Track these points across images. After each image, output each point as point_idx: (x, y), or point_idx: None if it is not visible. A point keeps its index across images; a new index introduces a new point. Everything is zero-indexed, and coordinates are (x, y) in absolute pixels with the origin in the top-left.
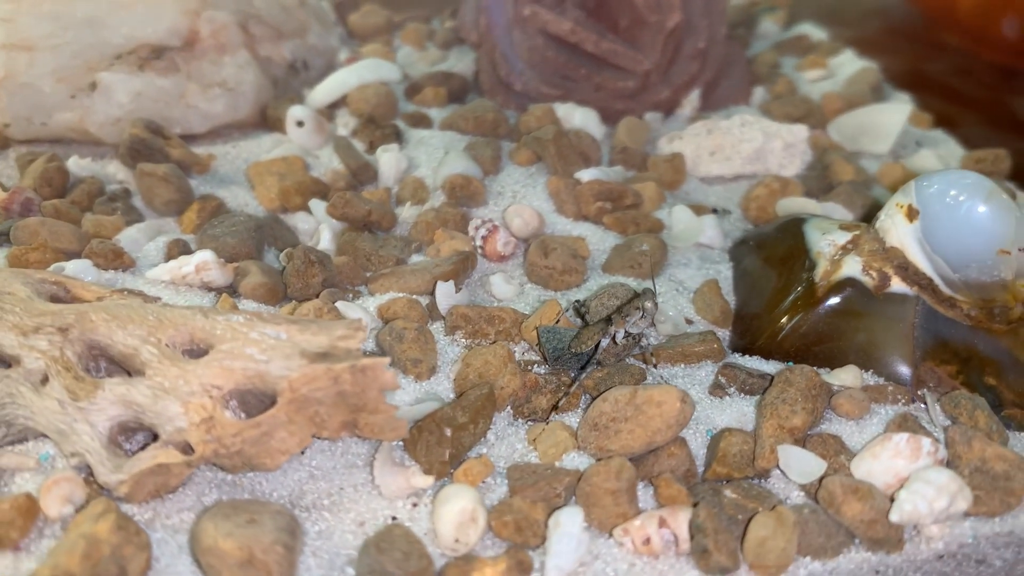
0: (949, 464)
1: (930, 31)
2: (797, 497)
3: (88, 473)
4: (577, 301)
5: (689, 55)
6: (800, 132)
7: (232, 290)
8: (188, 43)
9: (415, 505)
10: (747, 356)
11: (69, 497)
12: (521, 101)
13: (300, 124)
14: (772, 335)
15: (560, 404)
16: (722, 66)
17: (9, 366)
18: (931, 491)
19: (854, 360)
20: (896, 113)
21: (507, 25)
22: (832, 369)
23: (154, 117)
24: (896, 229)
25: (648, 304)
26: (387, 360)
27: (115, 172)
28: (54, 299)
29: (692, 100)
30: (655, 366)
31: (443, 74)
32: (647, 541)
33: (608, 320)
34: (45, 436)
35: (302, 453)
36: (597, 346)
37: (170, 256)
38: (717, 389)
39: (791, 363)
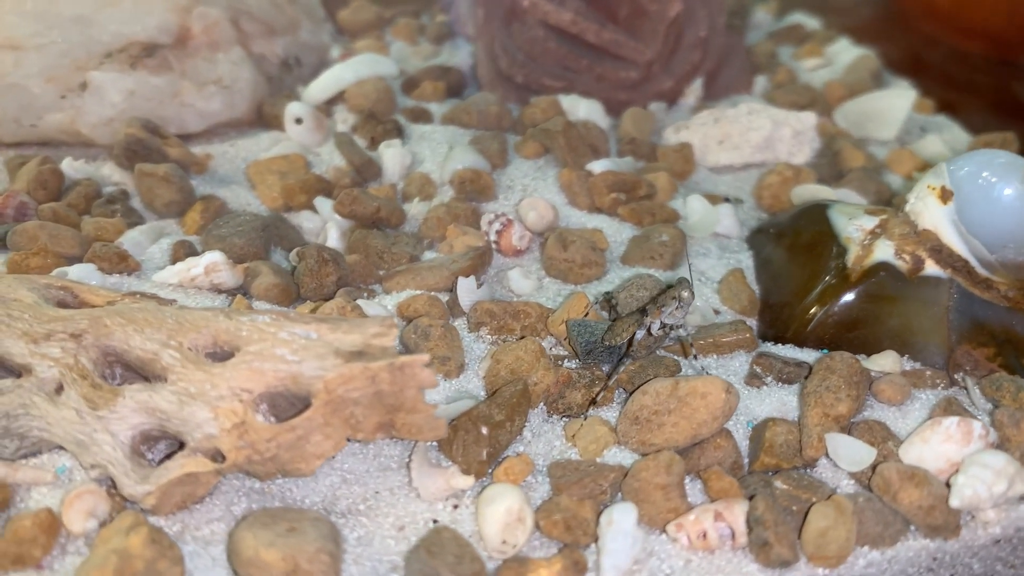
0: (998, 447)
1: (908, 20)
2: (847, 486)
3: (110, 485)
4: (607, 293)
5: (690, 44)
6: (808, 119)
7: (243, 292)
8: (180, 40)
9: (456, 507)
10: (779, 345)
11: (93, 511)
12: (522, 94)
13: (299, 121)
14: (804, 323)
15: (599, 398)
16: (723, 55)
17: (20, 376)
18: (989, 475)
19: (888, 346)
20: (900, 99)
21: (505, 17)
22: (867, 356)
23: (148, 116)
24: (929, 212)
25: (685, 293)
26: (426, 357)
27: (110, 174)
28: (61, 305)
29: (695, 90)
30: (696, 357)
31: (440, 68)
32: (703, 536)
33: (643, 311)
34: (61, 448)
35: (332, 457)
36: (632, 338)
37: (176, 258)
38: (753, 379)
39: (826, 351)
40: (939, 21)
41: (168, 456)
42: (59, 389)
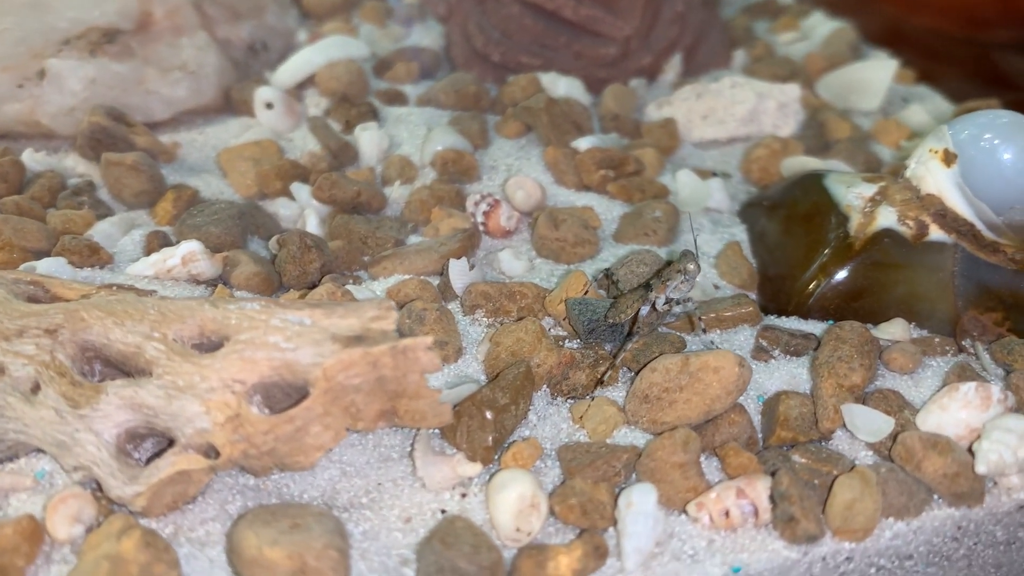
0: (1016, 411)
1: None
2: (865, 457)
3: (95, 488)
4: (606, 270)
5: (668, 19)
6: (793, 91)
7: (223, 281)
8: (141, 25)
9: (464, 495)
10: (781, 317)
11: (78, 516)
12: (499, 73)
13: (269, 106)
14: (807, 295)
15: (606, 378)
16: (701, 30)
17: None
18: (1014, 439)
19: (894, 314)
20: (881, 70)
21: None
22: (874, 325)
23: (112, 104)
24: (932, 176)
25: (691, 266)
26: (430, 340)
27: (74, 165)
28: (32, 300)
29: (675, 65)
30: (704, 331)
31: (412, 49)
32: (726, 514)
33: (647, 286)
34: (40, 451)
35: (331, 449)
36: (636, 315)
37: (150, 249)
38: (760, 353)
39: (831, 321)
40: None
41: (157, 454)
42: (35, 388)
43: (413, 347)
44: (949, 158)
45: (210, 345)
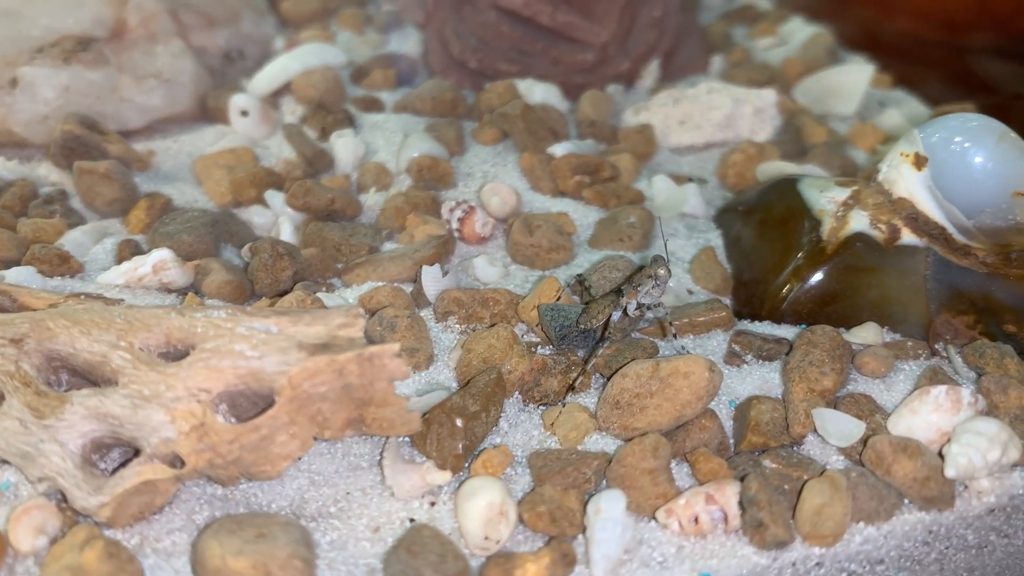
0: (986, 415)
1: (853, 4)
2: (837, 462)
3: (60, 499)
4: (579, 275)
5: (646, 24)
6: (769, 96)
7: (194, 290)
8: (116, 33)
9: (433, 504)
10: (755, 322)
11: (42, 527)
12: (476, 79)
13: (245, 114)
14: (780, 299)
15: (577, 384)
16: (678, 36)
17: None
18: (983, 442)
19: (867, 318)
20: (858, 74)
21: (456, 2)
22: (847, 329)
23: (86, 113)
24: (904, 179)
25: (662, 271)
26: (396, 347)
27: (47, 174)
28: None
29: (652, 71)
30: (675, 336)
31: (390, 56)
32: (695, 520)
33: (618, 292)
34: (4, 462)
35: (299, 458)
36: (608, 320)
37: (122, 258)
38: (733, 358)
39: (804, 326)
40: (882, 4)
41: (123, 464)
42: (0, 399)
43: (380, 354)
44: (920, 162)
45: (176, 354)
